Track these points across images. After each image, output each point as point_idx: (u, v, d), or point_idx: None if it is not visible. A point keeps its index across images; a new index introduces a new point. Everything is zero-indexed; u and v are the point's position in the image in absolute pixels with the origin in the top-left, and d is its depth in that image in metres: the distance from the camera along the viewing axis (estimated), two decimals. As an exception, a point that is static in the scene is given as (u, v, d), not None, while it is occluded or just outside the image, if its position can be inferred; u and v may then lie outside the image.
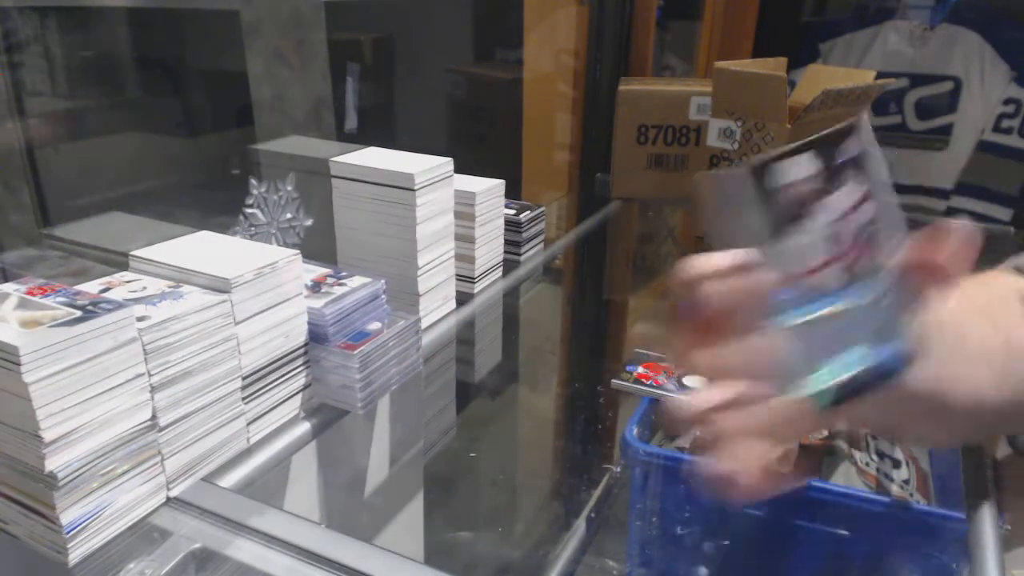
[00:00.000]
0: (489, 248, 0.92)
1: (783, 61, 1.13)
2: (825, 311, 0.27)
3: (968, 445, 0.51)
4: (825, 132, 0.27)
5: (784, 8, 1.61)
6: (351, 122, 1.07)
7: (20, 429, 0.45)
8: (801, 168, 0.27)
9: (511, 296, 0.95)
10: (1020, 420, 0.38)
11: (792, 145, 0.26)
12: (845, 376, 0.28)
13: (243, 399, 0.58)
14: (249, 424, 0.60)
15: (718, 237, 0.29)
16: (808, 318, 0.27)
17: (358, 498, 0.75)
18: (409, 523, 0.81)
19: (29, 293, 0.49)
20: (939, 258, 0.29)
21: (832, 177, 0.26)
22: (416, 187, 0.73)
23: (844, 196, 0.26)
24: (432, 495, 0.84)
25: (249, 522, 0.52)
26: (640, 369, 0.72)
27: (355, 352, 0.62)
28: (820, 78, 1.09)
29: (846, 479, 0.66)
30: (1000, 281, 0.40)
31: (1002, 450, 0.57)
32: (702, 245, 1.18)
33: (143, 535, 0.51)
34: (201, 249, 0.61)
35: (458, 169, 0.79)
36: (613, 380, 0.71)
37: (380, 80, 1.37)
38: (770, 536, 0.65)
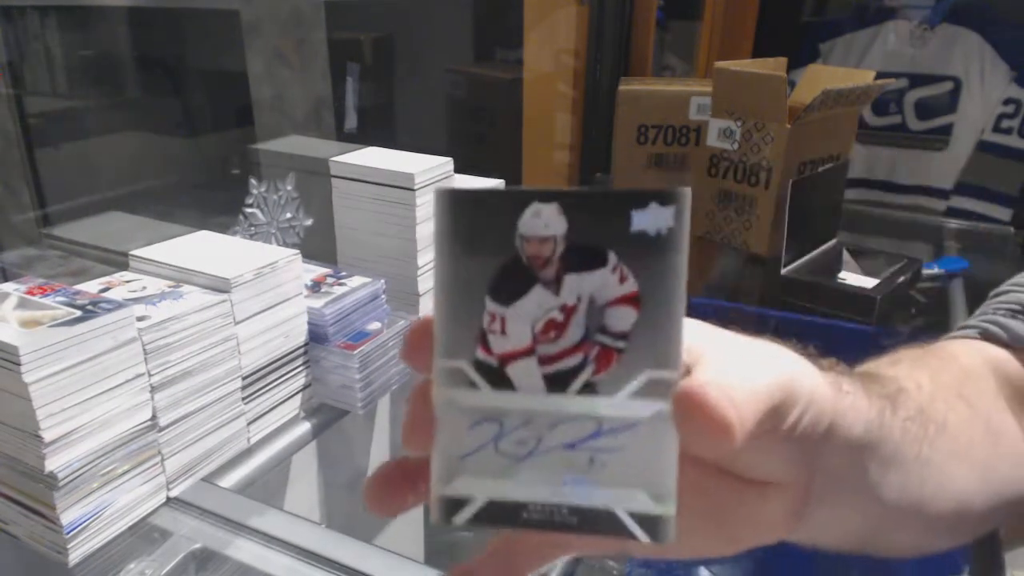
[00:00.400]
0: (489, 248, 0.92)
1: (783, 61, 1.13)
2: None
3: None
4: (631, 189, 0.18)
5: (784, 8, 1.61)
6: (351, 122, 1.07)
7: (20, 429, 0.45)
8: (543, 220, 0.18)
9: (511, 296, 0.95)
10: (1000, 521, 0.32)
11: (531, 189, 0.18)
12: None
13: (243, 399, 0.58)
14: (249, 424, 0.60)
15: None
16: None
17: (358, 498, 0.75)
18: (409, 523, 0.81)
19: (29, 293, 0.49)
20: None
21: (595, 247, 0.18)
22: (416, 187, 0.73)
23: (606, 279, 0.18)
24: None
25: (249, 522, 0.52)
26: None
27: (355, 352, 0.62)
28: (820, 78, 1.09)
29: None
30: (964, 351, 0.34)
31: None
32: (701, 245, 1.17)
33: (143, 535, 0.51)
34: (201, 249, 0.61)
35: (458, 169, 0.79)
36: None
37: (380, 80, 1.37)
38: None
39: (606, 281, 0.19)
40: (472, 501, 0.19)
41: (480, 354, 0.19)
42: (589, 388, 0.19)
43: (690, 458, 0.20)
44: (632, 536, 0.18)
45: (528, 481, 0.19)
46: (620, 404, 0.19)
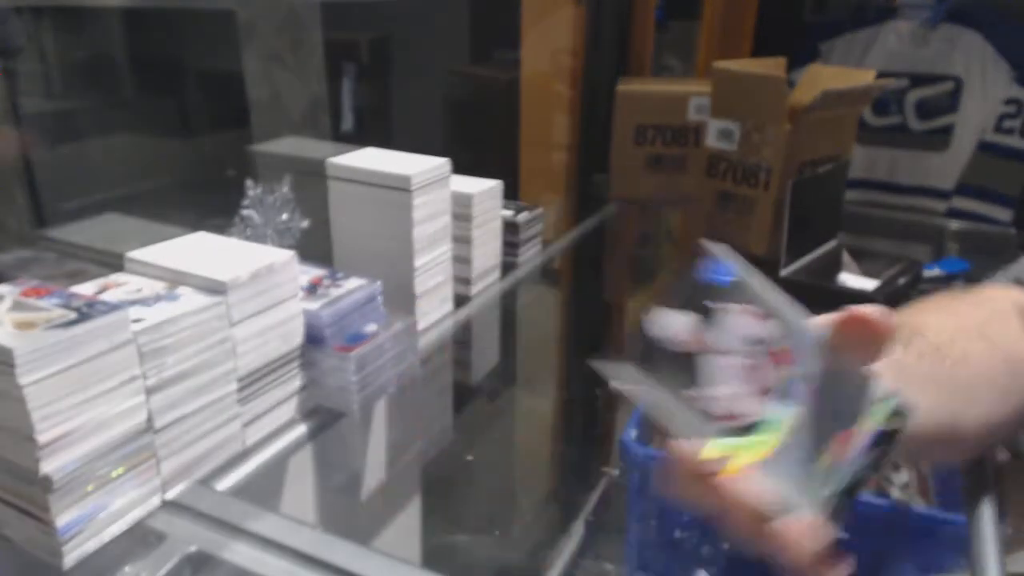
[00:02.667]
0: (486, 250, 0.92)
1: (783, 61, 1.12)
2: (783, 428, 0.25)
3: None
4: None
5: (784, 8, 1.61)
6: (347, 122, 1.07)
7: (14, 432, 0.44)
8: (677, 322, 0.25)
9: (509, 298, 0.95)
10: (1021, 428, 0.38)
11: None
12: (843, 483, 0.26)
13: (239, 401, 0.58)
14: (245, 426, 0.59)
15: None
16: (774, 447, 0.25)
17: (355, 501, 0.75)
18: (406, 526, 0.81)
19: (24, 295, 0.49)
20: (865, 330, 0.27)
21: (706, 316, 0.25)
22: (413, 188, 0.72)
23: (730, 326, 0.24)
24: (429, 498, 0.84)
25: (245, 525, 0.51)
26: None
27: (351, 354, 0.61)
28: (820, 78, 1.08)
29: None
30: (996, 295, 0.40)
31: (1002, 453, 0.57)
32: (702, 245, 1.18)
33: (139, 538, 0.51)
34: (197, 250, 0.60)
35: (456, 170, 0.79)
36: (611, 382, 0.70)
37: (377, 80, 1.37)
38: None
39: None
40: None
41: None
42: None
43: None
44: None
45: None
46: None
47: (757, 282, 0.25)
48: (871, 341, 0.27)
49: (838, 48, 1.52)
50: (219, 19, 0.81)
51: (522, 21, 1.28)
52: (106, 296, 0.53)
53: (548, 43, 1.30)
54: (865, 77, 1.08)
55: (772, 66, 1.10)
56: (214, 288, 0.55)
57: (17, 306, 0.47)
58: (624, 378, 0.26)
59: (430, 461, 0.85)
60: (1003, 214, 1.41)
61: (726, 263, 0.25)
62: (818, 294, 0.91)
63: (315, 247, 0.77)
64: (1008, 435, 0.40)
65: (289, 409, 0.63)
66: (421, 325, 0.79)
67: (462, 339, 0.86)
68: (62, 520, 0.46)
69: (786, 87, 1.01)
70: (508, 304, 0.95)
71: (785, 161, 1.01)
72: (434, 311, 0.82)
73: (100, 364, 0.46)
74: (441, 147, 0.76)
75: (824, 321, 0.28)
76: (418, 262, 0.76)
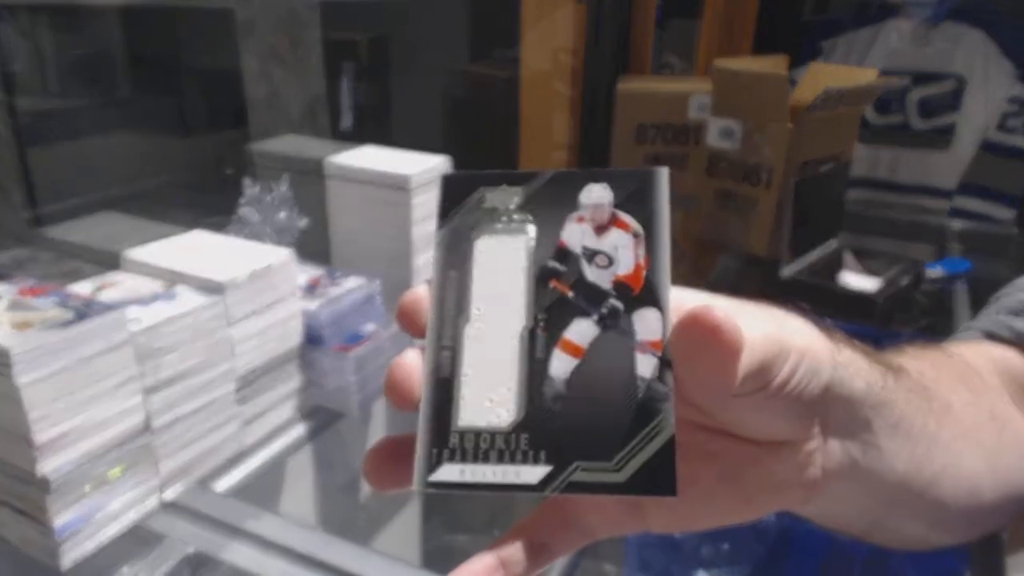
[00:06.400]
0: (487, 248, 0.91)
1: (784, 59, 1.12)
2: None
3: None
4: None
5: (785, 6, 1.60)
6: (346, 121, 1.07)
7: (11, 432, 0.44)
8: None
9: (509, 297, 0.95)
10: (1007, 518, 0.31)
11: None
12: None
13: (237, 401, 0.58)
14: (244, 427, 0.59)
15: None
16: None
17: (354, 501, 0.75)
18: (405, 526, 0.81)
19: (21, 294, 0.48)
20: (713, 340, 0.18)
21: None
22: (412, 187, 0.72)
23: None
24: (428, 498, 0.83)
25: (244, 526, 0.51)
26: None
27: (350, 354, 0.61)
28: (822, 76, 1.08)
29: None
30: (973, 350, 0.34)
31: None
32: (701, 246, 1.16)
33: (137, 539, 0.50)
34: (194, 249, 0.60)
35: (455, 168, 0.79)
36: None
37: (376, 79, 1.36)
38: (769, 539, 0.65)
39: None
40: None
41: None
42: None
43: (698, 423, 0.22)
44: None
45: None
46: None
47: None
48: (720, 356, 0.17)
49: (840, 46, 1.51)
50: (218, 18, 0.81)
51: (522, 20, 1.27)
52: (103, 295, 0.53)
53: (548, 42, 1.29)
54: (867, 76, 1.07)
55: (773, 64, 1.09)
56: (212, 288, 0.55)
57: (14, 305, 0.47)
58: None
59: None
60: (1005, 213, 1.41)
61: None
62: (819, 294, 0.91)
63: (313, 246, 0.77)
64: (993, 518, 0.31)
65: (288, 409, 0.63)
66: (421, 324, 0.78)
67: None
68: (59, 521, 0.46)
69: (787, 86, 1.00)
70: (508, 303, 0.95)
71: (786, 160, 1.00)
72: (434, 310, 0.82)
73: (97, 364, 0.46)
74: (440, 146, 0.75)
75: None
76: (417, 261, 0.76)
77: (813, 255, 1.00)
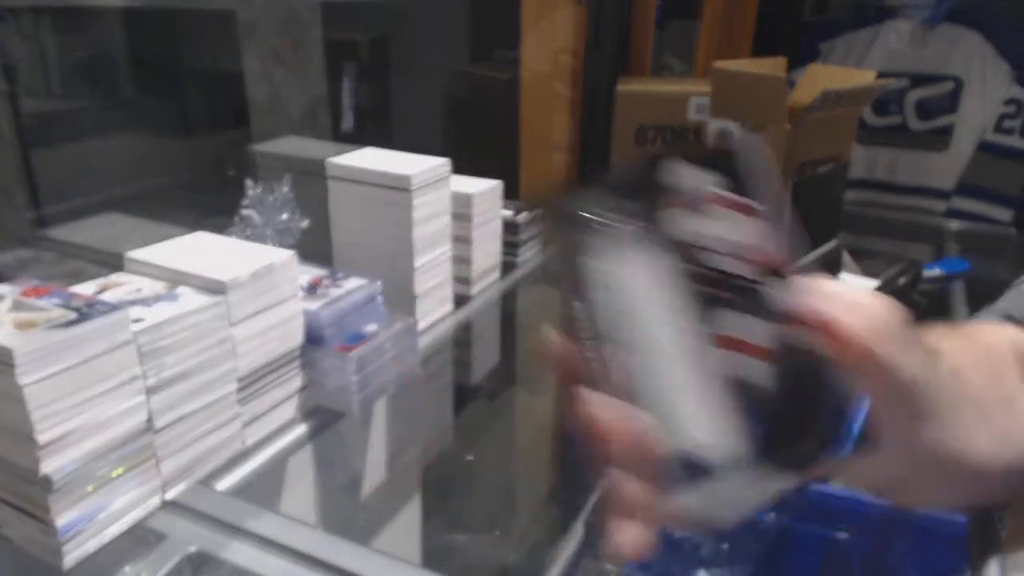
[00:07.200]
0: (487, 250, 0.92)
1: (783, 61, 1.12)
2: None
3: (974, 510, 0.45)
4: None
5: (784, 7, 1.61)
6: (347, 122, 1.07)
7: (14, 432, 0.44)
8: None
9: (509, 298, 0.95)
10: (1018, 490, 0.34)
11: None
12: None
13: (239, 401, 0.58)
14: (245, 426, 0.59)
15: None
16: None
17: (355, 501, 0.75)
18: (406, 526, 0.81)
19: (24, 294, 0.49)
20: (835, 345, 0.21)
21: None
22: (413, 188, 0.72)
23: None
24: (429, 498, 0.84)
25: (245, 525, 0.51)
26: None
27: (351, 354, 0.61)
28: (820, 78, 1.08)
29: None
30: (990, 333, 0.36)
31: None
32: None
33: (139, 539, 0.51)
34: (197, 250, 0.60)
35: (456, 170, 0.79)
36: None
37: (377, 80, 1.37)
38: (769, 539, 0.65)
39: None
40: None
41: None
42: None
43: None
44: None
45: None
46: None
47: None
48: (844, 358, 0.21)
49: (838, 48, 1.52)
50: (219, 19, 0.81)
51: (522, 21, 1.28)
52: (106, 296, 0.53)
53: (548, 43, 1.30)
54: (865, 77, 1.08)
55: (772, 66, 1.10)
56: (214, 288, 0.55)
57: (17, 306, 0.47)
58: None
59: (430, 461, 0.85)
60: (1003, 214, 1.41)
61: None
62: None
63: (315, 247, 0.77)
64: (999, 491, 0.34)
65: (289, 409, 0.63)
66: (421, 325, 0.79)
67: (462, 339, 0.86)
68: (62, 520, 0.46)
69: (786, 87, 1.01)
70: (508, 304, 0.95)
71: (785, 161, 1.01)
72: (434, 311, 0.82)
73: (100, 364, 0.46)
74: (441, 147, 0.76)
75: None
76: (418, 262, 0.76)
77: (812, 256, 1.01)
